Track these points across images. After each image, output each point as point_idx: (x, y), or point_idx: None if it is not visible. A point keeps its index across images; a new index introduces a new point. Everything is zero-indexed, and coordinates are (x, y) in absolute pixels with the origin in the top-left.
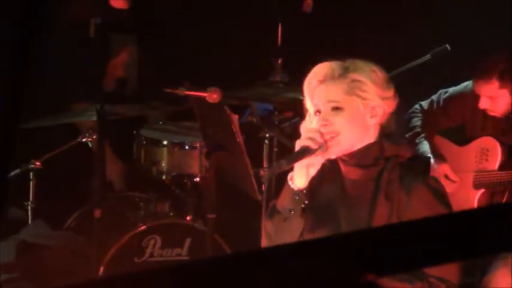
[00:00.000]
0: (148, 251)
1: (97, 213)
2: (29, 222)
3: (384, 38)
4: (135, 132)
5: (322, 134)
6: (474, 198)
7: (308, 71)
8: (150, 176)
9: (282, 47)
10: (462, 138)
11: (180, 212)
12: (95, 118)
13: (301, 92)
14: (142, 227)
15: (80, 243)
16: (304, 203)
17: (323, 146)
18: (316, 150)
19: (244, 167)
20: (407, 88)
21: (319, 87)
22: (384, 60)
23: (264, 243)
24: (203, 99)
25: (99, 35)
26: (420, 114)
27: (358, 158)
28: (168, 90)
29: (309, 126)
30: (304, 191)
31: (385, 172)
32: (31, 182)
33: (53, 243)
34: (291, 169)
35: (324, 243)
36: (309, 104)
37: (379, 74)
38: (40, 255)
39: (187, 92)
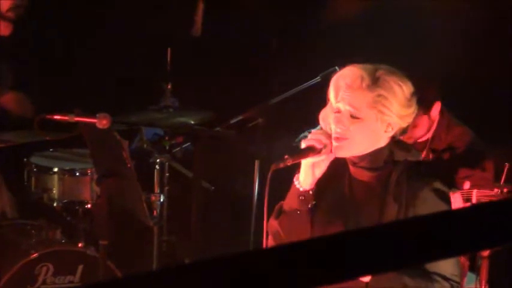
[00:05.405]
0: (41, 278)
1: None
2: None
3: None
4: (25, 159)
5: (328, 136)
6: None
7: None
8: (42, 203)
9: (171, 71)
10: None
11: (72, 239)
12: None
13: (191, 117)
14: (34, 255)
15: None
16: (311, 204)
17: (327, 147)
18: (320, 150)
19: (135, 192)
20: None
21: (345, 91)
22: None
23: (271, 243)
24: (93, 125)
25: None
26: None
27: (367, 160)
28: (58, 117)
29: (327, 116)
30: (311, 192)
31: (394, 175)
32: None
33: None
34: (297, 170)
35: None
36: (332, 97)
37: (405, 89)
38: None
39: (77, 118)
